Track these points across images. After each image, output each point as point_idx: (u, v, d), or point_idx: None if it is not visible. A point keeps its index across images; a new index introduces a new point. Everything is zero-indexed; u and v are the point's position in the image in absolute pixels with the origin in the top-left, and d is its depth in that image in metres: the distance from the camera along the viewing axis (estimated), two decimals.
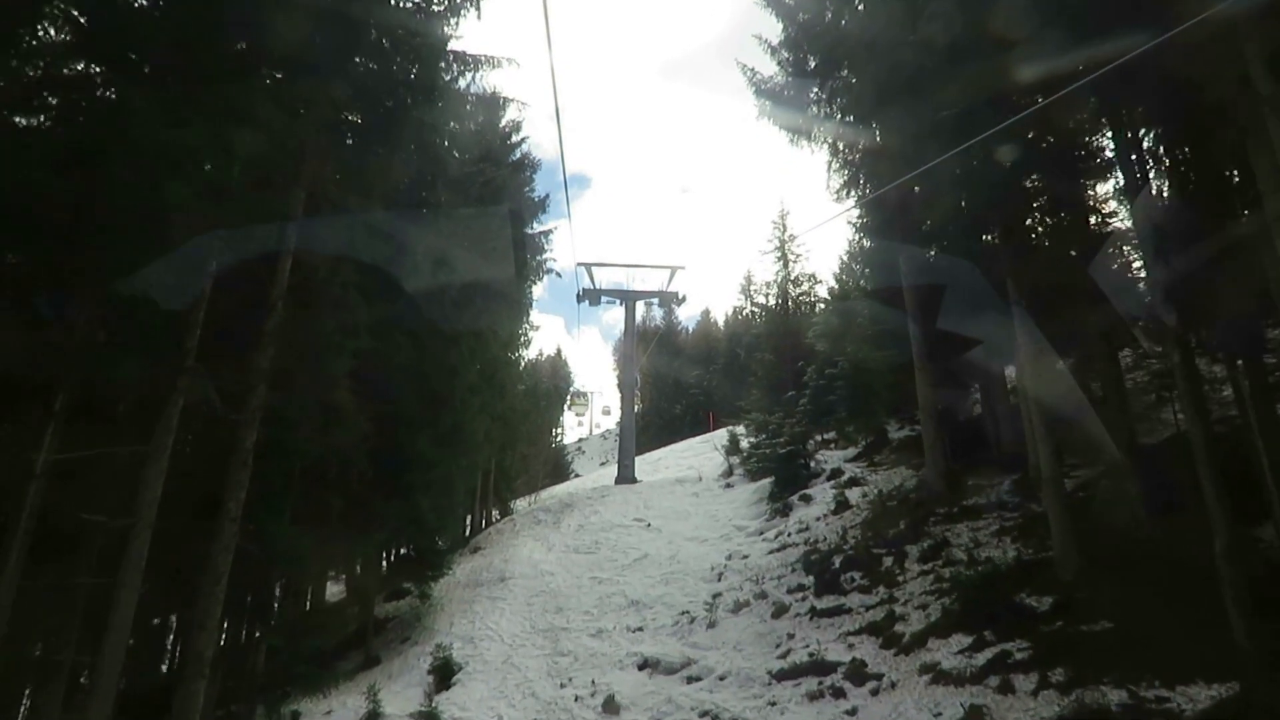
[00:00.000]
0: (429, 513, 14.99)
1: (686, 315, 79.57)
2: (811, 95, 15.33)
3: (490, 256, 20.67)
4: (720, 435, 32.45)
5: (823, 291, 28.32)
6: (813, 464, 17.94)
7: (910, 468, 16.24)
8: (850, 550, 12.25)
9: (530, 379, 49.64)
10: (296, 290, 8.84)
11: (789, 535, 14.47)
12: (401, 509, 15.02)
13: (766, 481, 18.32)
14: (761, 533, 15.40)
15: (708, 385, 55.83)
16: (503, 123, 25.58)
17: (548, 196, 24.48)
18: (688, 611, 12.41)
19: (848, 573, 11.49)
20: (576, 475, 55.16)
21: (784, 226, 27.46)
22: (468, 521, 24.52)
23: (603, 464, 68.38)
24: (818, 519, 14.65)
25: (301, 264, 8.94)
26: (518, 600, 14.97)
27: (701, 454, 30.28)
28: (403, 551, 19.31)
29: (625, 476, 23.83)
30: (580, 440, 76.57)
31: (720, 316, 68.81)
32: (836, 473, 17.21)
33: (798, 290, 27.01)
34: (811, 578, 11.83)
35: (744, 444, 24.75)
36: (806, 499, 16.13)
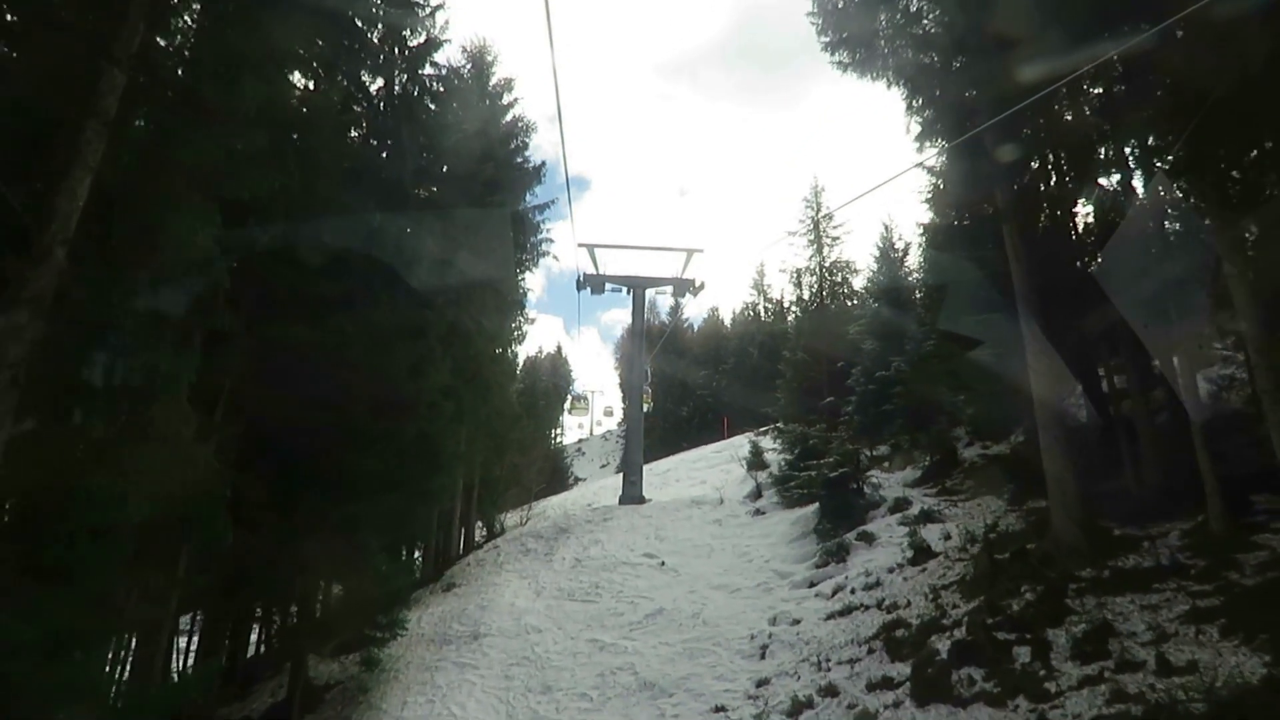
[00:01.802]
0: (376, 555, 11.49)
1: (692, 313, 75.95)
2: (883, 20, 11.87)
3: (472, 230, 17.20)
4: (737, 443, 28.94)
5: (858, 283, 24.67)
6: (867, 489, 14.37)
7: (1002, 499, 12.71)
8: (957, 628, 8.70)
9: (528, 378, 46.25)
10: (103, 237, 5.30)
11: (853, 592, 10.91)
12: (342, 552, 11.54)
13: (809, 510, 14.77)
14: (812, 584, 11.84)
15: (716, 387, 52.24)
16: (493, 82, 22.04)
17: (544, 165, 20.84)
18: (724, 709, 8.88)
19: (963, 668, 7.92)
20: (577, 479, 51.73)
21: (818, 205, 23.85)
22: (449, 540, 20.96)
23: (603, 466, 65.07)
24: (890, 571, 11.09)
25: (119, 190, 5.39)
26: (493, 670, 11.44)
27: (717, 465, 26.72)
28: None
29: (632, 495, 20.26)
30: (580, 441, 73.49)
31: (727, 315, 65.30)
32: (902, 503, 13.64)
33: (833, 279, 23.37)
34: (906, 669, 8.29)
35: (770, 457, 21.26)
36: (868, 539, 12.56)
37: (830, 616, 10.44)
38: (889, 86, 11.72)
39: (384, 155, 15.90)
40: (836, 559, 12.24)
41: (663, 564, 14.39)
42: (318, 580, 11.82)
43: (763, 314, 55.47)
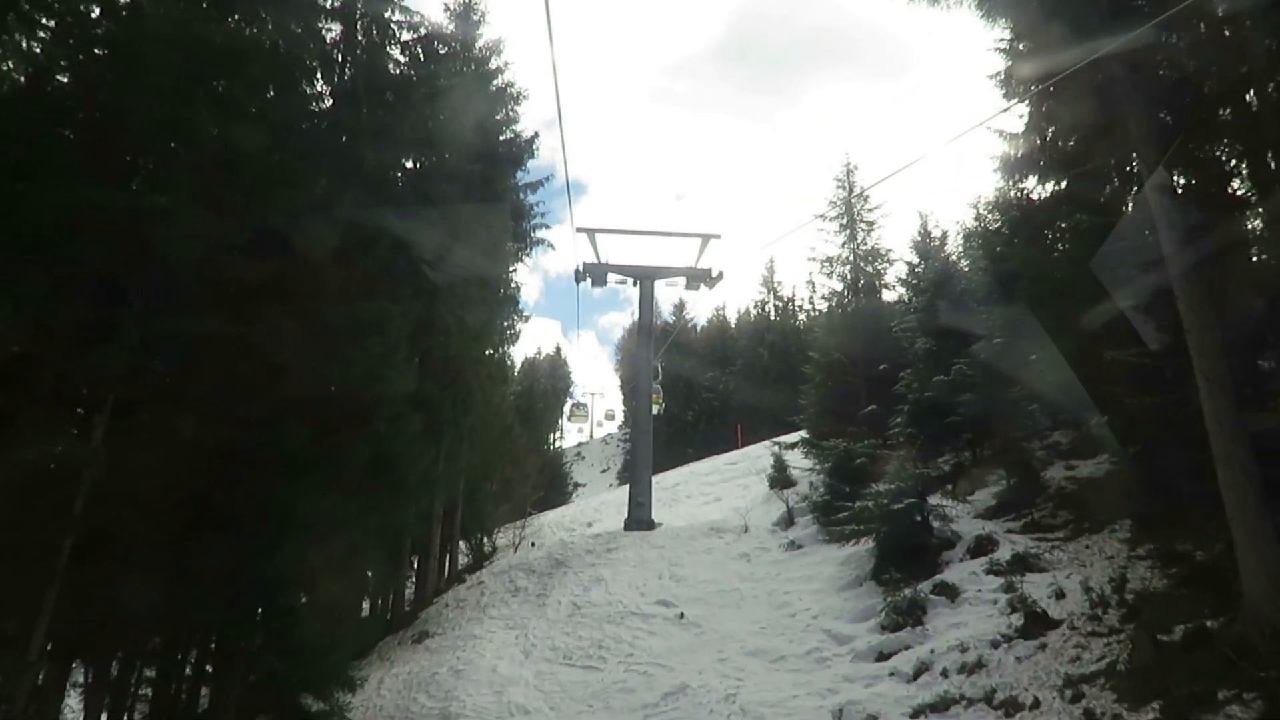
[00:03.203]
0: (311, 626, 8.72)
1: (695, 311, 72.98)
2: None
3: (452, 209, 14.49)
4: (754, 454, 26.18)
5: (890, 275, 21.80)
6: (935, 523, 11.57)
7: (1117, 538, 9.93)
8: None
9: (526, 380, 43.49)
10: None
11: (945, 674, 8.12)
12: (265, 612, 8.80)
13: (860, 549, 12.01)
14: (883, 656, 9.04)
15: (724, 389, 49.45)
16: (479, 43, 19.28)
17: (536, 136, 18.09)
18: None
19: None
20: (576, 485, 49.00)
21: (849, 185, 21.08)
22: (425, 572, 18.17)
23: (604, 471, 62.30)
24: (995, 645, 8.27)
25: None
26: None
27: (732, 479, 23.95)
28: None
29: (639, 519, 17.45)
30: (580, 445, 70.66)
31: (732, 314, 62.68)
32: (985, 543, 10.83)
33: (868, 269, 20.57)
34: None
35: (797, 474, 18.55)
36: (949, 592, 9.77)
37: (919, 713, 7.66)
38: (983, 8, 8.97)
39: (341, 115, 13.21)
40: (911, 620, 9.45)
41: (681, 616, 11.63)
42: (225, 653, 9.04)
43: (773, 313, 52.82)
